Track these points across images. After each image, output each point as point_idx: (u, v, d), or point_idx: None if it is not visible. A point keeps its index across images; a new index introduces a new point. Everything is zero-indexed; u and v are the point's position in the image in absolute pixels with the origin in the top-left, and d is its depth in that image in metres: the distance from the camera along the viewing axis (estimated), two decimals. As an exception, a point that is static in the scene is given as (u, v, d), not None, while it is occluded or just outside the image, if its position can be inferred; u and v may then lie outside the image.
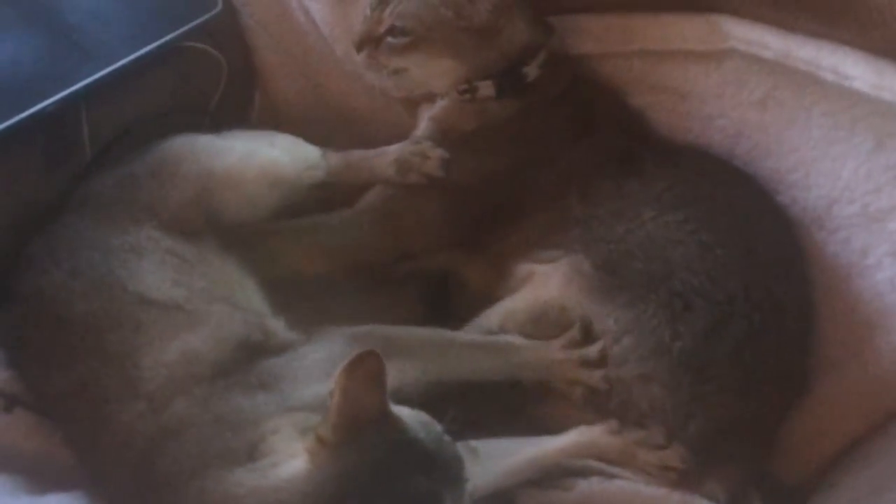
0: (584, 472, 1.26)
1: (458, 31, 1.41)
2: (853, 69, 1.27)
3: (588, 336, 1.30)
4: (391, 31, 1.42)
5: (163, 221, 1.25)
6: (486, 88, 1.45)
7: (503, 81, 1.45)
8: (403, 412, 1.00)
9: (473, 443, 1.02)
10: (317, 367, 1.13)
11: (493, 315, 1.37)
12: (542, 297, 1.34)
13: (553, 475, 1.27)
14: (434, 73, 1.46)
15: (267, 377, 1.13)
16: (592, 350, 1.28)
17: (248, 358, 1.15)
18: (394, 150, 1.45)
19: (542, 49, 1.47)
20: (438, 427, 1.02)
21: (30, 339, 1.19)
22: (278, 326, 1.24)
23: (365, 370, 0.94)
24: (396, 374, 1.17)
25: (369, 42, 1.45)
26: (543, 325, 1.33)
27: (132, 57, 1.41)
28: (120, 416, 1.09)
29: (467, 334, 1.34)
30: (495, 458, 1.25)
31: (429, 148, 1.44)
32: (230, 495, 0.99)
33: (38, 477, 1.15)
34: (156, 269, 1.20)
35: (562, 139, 1.46)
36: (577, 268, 1.33)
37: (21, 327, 1.20)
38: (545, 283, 1.35)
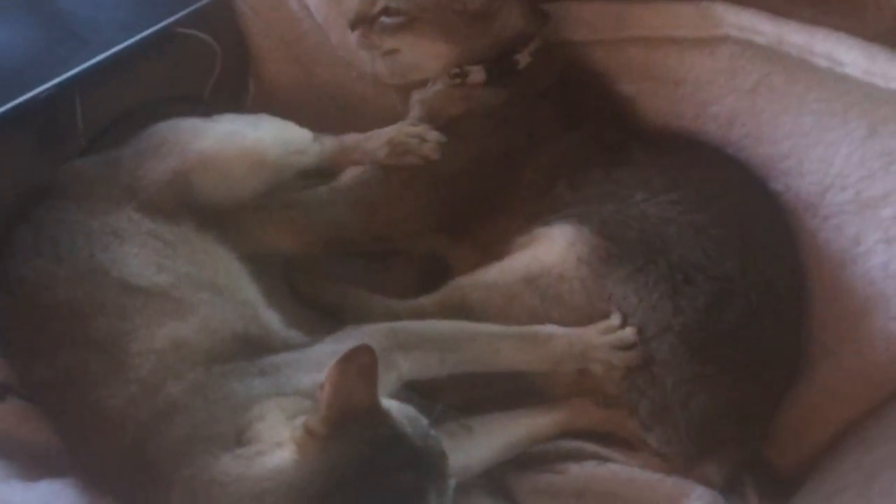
0: (578, 456, 1.27)
1: (452, 15, 1.41)
2: (846, 55, 1.27)
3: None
4: (385, 10, 1.42)
5: (142, 203, 1.25)
6: (477, 74, 1.45)
7: (494, 67, 1.45)
8: (392, 406, 1.00)
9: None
10: (323, 358, 1.11)
11: (493, 270, 1.35)
12: (543, 258, 1.32)
13: (547, 458, 1.28)
14: (426, 55, 1.47)
15: (268, 366, 1.13)
16: (627, 333, 1.26)
17: (251, 351, 1.15)
18: (387, 132, 1.44)
19: (536, 37, 1.47)
20: (425, 422, 1.02)
21: (17, 326, 1.19)
22: (273, 319, 1.23)
23: (357, 365, 0.94)
24: (414, 366, 1.18)
25: (363, 21, 1.45)
26: (532, 289, 1.31)
27: (126, 43, 1.41)
28: (110, 401, 1.08)
29: (498, 326, 1.29)
30: (490, 433, 1.25)
31: (425, 130, 1.44)
32: (217, 482, 0.99)
33: (31, 463, 1.16)
34: (138, 252, 1.20)
35: (548, 131, 1.45)
36: (577, 231, 1.31)
37: (8, 315, 1.19)
38: (547, 244, 1.33)
